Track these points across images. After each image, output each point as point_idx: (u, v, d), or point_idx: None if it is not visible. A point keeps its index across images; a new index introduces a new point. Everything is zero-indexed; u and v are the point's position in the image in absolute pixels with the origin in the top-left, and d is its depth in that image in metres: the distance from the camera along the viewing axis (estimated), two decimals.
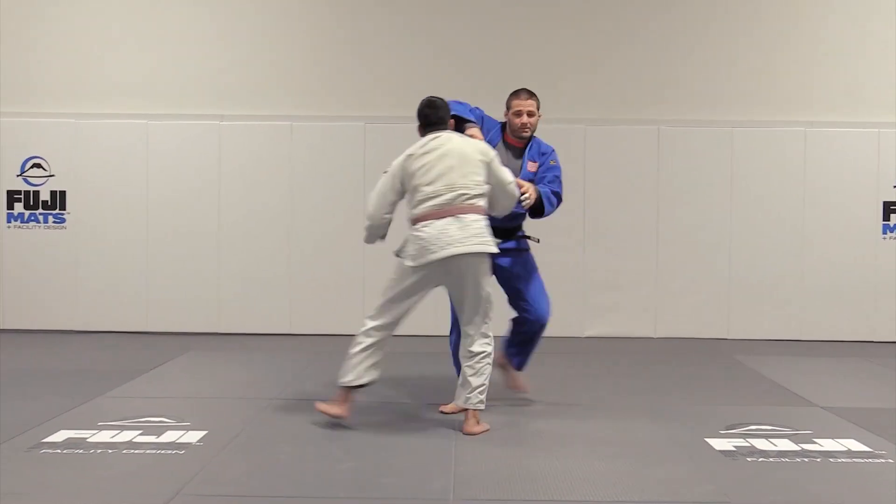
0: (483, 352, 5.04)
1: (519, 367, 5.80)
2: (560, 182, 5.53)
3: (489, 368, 5.07)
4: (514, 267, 5.56)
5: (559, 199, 5.52)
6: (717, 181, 8.74)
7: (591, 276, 8.76)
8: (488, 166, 5.05)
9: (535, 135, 5.58)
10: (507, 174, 5.13)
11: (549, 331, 8.50)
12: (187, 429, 5.04)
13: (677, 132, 8.76)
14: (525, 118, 5.44)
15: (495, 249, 5.02)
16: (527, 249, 5.66)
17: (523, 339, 5.68)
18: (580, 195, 8.67)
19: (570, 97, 8.80)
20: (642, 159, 8.76)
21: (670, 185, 8.75)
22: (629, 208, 8.76)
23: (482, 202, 5.02)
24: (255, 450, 4.71)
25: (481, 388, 5.03)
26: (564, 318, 8.74)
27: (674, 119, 8.78)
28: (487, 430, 5.04)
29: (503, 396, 5.85)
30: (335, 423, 5.13)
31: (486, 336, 5.06)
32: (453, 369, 5.66)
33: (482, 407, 5.06)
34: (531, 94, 5.51)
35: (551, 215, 5.56)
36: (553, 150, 5.58)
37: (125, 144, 8.77)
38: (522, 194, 5.20)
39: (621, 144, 8.77)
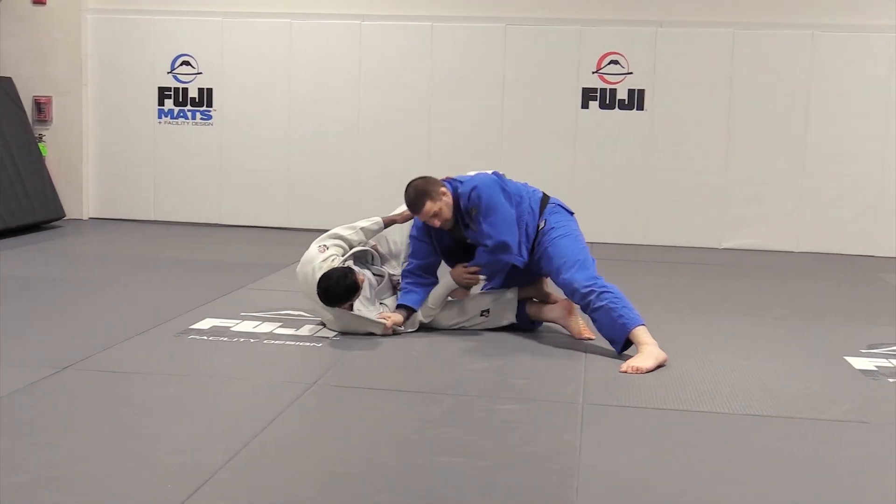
0: None
1: (616, 348, 4.77)
2: (490, 224, 4.82)
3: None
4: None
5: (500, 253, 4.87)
6: (874, 90, 8.29)
7: (732, 186, 8.52)
8: None
9: (460, 192, 4.91)
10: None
11: (685, 240, 8.50)
12: (324, 323, 5.19)
13: (832, 38, 8.31)
14: (437, 221, 4.90)
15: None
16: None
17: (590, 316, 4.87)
18: (726, 103, 8.41)
19: None
20: (793, 66, 8.37)
21: (823, 92, 8.34)
22: (777, 116, 8.42)
23: None
24: (389, 346, 4.83)
25: None
26: (701, 228, 8.59)
27: (829, 24, 8.32)
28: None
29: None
30: (466, 327, 5.19)
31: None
32: None
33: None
34: (419, 202, 4.84)
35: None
36: (473, 191, 4.84)
37: (269, 43, 8.91)
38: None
39: (771, 50, 8.39)
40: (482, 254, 4.94)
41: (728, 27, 8.40)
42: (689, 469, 3.29)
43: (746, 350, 4.96)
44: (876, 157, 8.33)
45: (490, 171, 5.08)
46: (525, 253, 4.97)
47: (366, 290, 4.93)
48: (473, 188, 4.87)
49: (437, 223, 4.90)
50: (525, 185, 5.16)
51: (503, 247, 4.87)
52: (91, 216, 9.36)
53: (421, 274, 5.07)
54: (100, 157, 9.28)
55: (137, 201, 9.26)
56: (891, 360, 4.78)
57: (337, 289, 4.79)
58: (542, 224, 4.99)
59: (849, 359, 4.79)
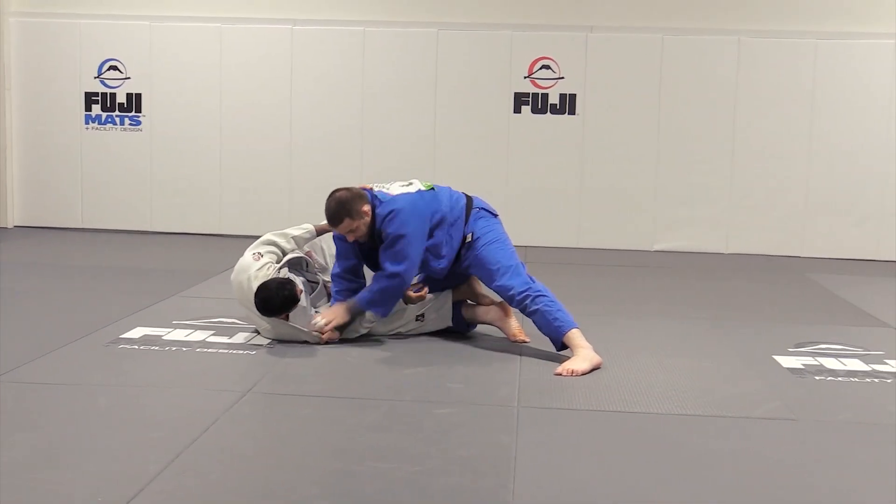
0: None
1: (556, 346, 4.82)
2: (393, 252, 4.77)
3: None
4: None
5: (390, 278, 4.79)
6: (798, 94, 8.48)
7: (663, 189, 8.64)
8: None
9: (377, 211, 4.83)
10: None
11: (617, 243, 8.60)
12: (258, 331, 5.14)
13: (759, 43, 8.49)
14: (351, 237, 4.86)
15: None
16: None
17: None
18: (655, 107, 8.54)
19: (647, 5, 8.58)
20: (720, 71, 8.53)
21: (749, 98, 8.51)
22: (705, 120, 8.57)
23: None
24: (324, 353, 4.80)
25: None
26: (634, 231, 8.70)
27: (755, 30, 8.50)
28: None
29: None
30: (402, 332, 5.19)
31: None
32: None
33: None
34: (338, 218, 4.79)
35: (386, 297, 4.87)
36: (389, 214, 4.80)
37: (198, 48, 8.81)
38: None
39: (699, 55, 8.54)
40: (379, 278, 4.86)
41: (657, 32, 8.52)
42: (625, 470, 3.33)
43: (678, 351, 5.03)
44: (802, 158, 8.52)
45: (415, 189, 4.97)
46: (445, 262, 4.94)
47: (302, 300, 4.90)
48: (389, 212, 4.81)
49: (350, 238, 4.87)
50: (448, 189, 5.11)
51: (394, 276, 4.79)
52: (16, 224, 9.15)
53: (349, 278, 5.02)
54: (25, 164, 9.07)
55: (64, 208, 9.07)
56: (817, 359, 4.89)
57: (275, 300, 4.75)
58: (468, 237, 4.97)
59: (777, 357, 4.89)
